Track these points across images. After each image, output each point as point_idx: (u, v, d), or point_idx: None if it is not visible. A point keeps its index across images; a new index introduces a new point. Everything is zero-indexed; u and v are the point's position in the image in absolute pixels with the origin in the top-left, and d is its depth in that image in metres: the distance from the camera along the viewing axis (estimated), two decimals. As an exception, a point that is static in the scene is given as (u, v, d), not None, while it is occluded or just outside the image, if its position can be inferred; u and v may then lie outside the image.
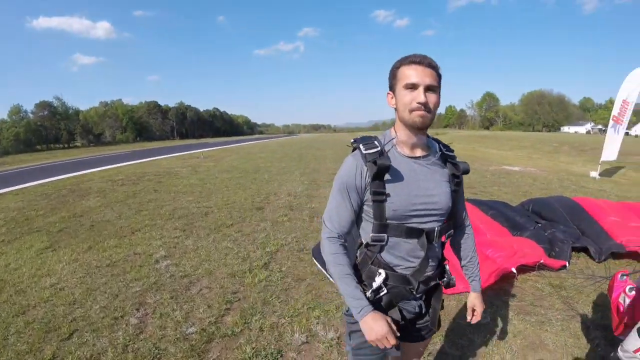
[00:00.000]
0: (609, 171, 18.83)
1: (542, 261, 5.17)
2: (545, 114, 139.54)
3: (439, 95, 1.72)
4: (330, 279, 1.85)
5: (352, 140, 1.79)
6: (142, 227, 7.30)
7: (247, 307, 4.25)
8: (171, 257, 5.75)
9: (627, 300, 2.45)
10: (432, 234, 1.78)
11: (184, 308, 4.20)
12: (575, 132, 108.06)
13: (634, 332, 2.31)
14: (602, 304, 4.36)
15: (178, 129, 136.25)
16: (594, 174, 17.14)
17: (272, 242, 6.47)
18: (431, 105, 1.67)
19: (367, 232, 1.79)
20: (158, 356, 3.38)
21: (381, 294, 1.78)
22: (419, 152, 1.80)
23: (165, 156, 25.84)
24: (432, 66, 1.68)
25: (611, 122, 16.87)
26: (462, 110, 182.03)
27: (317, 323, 3.91)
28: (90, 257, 5.77)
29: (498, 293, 4.67)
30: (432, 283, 1.88)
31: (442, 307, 2.02)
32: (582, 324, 4.03)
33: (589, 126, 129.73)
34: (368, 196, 1.73)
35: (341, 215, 1.77)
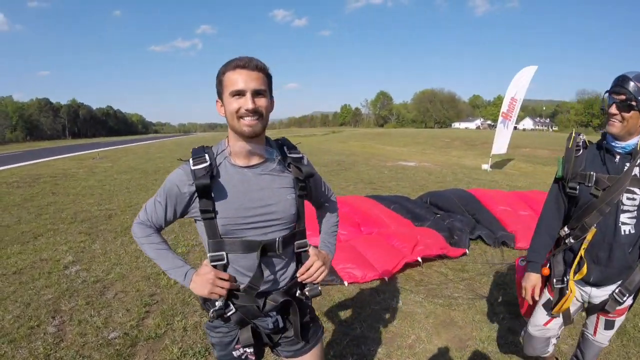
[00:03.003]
0: (500, 163, 20.39)
1: (444, 253, 5.64)
2: (436, 111, 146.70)
3: (270, 97, 1.66)
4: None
5: (191, 150, 1.70)
6: (45, 232, 6.91)
7: (167, 308, 4.24)
8: (80, 262, 5.54)
9: None
10: (272, 245, 1.71)
11: (102, 313, 4.11)
12: (466, 128, 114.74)
13: (539, 307, 2.60)
14: (502, 283, 4.93)
15: (70, 128, 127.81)
16: (486, 166, 18.52)
17: (182, 243, 6.42)
18: (262, 110, 1.60)
19: (207, 250, 1.73)
20: (82, 363, 3.30)
21: (229, 313, 1.74)
22: (255, 160, 1.71)
23: (60, 157, 24.27)
24: (260, 68, 1.59)
25: (500, 118, 18.32)
26: (357, 109, 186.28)
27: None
28: (-8, 265, 5.41)
29: (407, 279, 5.05)
30: (282, 299, 1.77)
31: (310, 318, 1.96)
32: (486, 301, 4.51)
33: (478, 122, 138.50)
34: (197, 213, 1.68)
35: (157, 213, 1.75)
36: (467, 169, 18.39)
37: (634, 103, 2.00)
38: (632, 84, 1.99)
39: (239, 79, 1.55)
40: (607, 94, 2.14)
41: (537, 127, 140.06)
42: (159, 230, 1.82)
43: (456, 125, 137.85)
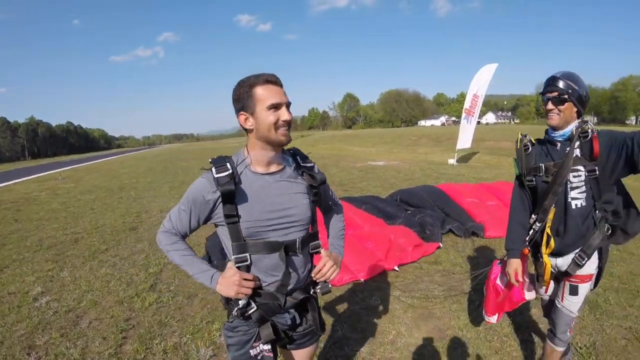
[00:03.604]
0: (465, 157, 20.86)
1: (421, 255, 5.74)
2: (402, 110, 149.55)
3: None
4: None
5: (210, 160, 1.80)
6: (10, 263, 6.66)
7: (144, 332, 4.14)
8: (49, 292, 5.35)
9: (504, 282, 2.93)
10: (293, 245, 1.86)
11: (78, 344, 3.98)
12: (432, 125, 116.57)
13: (532, 285, 2.82)
14: (475, 272, 5.03)
15: (29, 148, 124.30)
16: (452, 161, 18.90)
17: (153, 262, 6.31)
18: (291, 122, 1.79)
19: (230, 254, 1.85)
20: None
21: (250, 311, 1.85)
22: (273, 168, 1.87)
23: (19, 180, 23.60)
24: (282, 84, 1.78)
25: (464, 115, 18.79)
26: (324, 112, 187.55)
27: (220, 335, 3.94)
28: (-43, 302, 5.16)
29: (383, 276, 5.15)
30: (302, 296, 1.93)
31: (319, 312, 2.11)
32: (462, 291, 4.66)
33: (443, 119, 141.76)
34: (222, 218, 1.79)
35: (182, 221, 1.86)
36: (435, 165, 18.72)
37: (566, 96, 2.35)
38: (561, 82, 2.36)
39: (274, 93, 1.72)
40: (541, 95, 2.49)
41: (499, 120, 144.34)
42: (183, 237, 1.92)
43: (422, 123, 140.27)
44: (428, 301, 4.47)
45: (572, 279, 2.61)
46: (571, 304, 2.65)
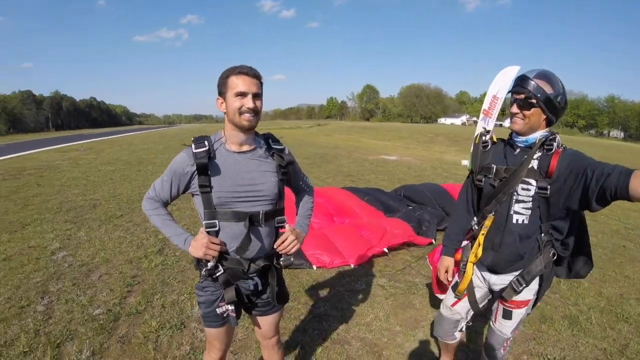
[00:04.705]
0: (479, 159, 20.68)
1: (410, 241, 6.02)
2: (422, 106, 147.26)
3: (262, 99, 2.08)
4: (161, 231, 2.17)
5: (192, 139, 2.08)
6: (32, 222, 7.16)
7: (148, 288, 4.59)
8: (66, 248, 5.83)
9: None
10: (257, 216, 2.10)
11: (87, 293, 4.43)
12: (452, 124, 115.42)
13: (449, 289, 2.80)
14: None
15: (54, 120, 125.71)
16: (466, 162, 18.89)
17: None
18: (259, 109, 2.04)
19: (202, 220, 2.10)
20: (70, 336, 3.62)
21: (218, 273, 2.12)
22: (245, 148, 2.12)
23: (43, 149, 24.23)
24: (257, 76, 2.03)
25: (481, 116, 18.59)
26: (343, 102, 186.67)
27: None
28: (-18, 253, 5.68)
29: (373, 265, 5.43)
30: (263, 264, 2.18)
31: (282, 284, 2.36)
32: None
33: (464, 118, 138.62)
34: (196, 188, 2.06)
35: (164, 190, 2.12)
36: (447, 164, 18.81)
37: (534, 100, 2.11)
38: (532, 82, 2.11)
39: (243, 83, 1.98)
40: (509, 94, 2.26)
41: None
42: (165, 204, 2.19)
43: (442, 120, 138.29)
44: (410, 292, 4.72)
45: (506, 304, 2.49)
46: (503, 327, 2.56)
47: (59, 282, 4.70)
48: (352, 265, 5.28)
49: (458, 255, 2.66)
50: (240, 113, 2.00)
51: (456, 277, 2.73)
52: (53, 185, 10.98)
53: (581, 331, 4.07)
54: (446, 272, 2.71)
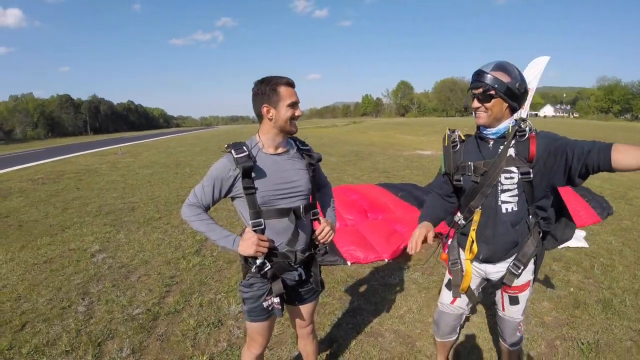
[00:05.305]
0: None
1: (440, 232, 5.92)
2: (457, 100, 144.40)
3: None
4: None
5: (226, 146, 2.19)
6: (72, 225, 7.38)
7: (186, 288, 4.66)
8: (106, 250, 5.98)
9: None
10: (298, 210, 2.27)
11: (127, 294, 4.54)
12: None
13: (443, 288, 2.78)
14: None
15: (91, 124, 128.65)
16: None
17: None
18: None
19: (247, 220, 2.23)
20: (110, 335, 3.72)
21: (266, 269, 2.24)
22: (281, 150, 2.29)
23: (82, 153, 25.02)
24: (295, 86, 2.24)
25: (513, 106, 18.33)
26: (378, 99, 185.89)
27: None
28: (25, 255, 5.86)
29: (407, 259, 5.37)
30: (307, 254, 2.35)
31: (320, 272, 2.54)
32: None
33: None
34: (240, 191, 2.18)
35: (205, 196, 2.21)
36: (482, 157, 18.44)
37: (492, 92, 2.14)
38: (488, 76, 2.15)
39: (293, 95, 2.19)
40: (469, 91, 2.29)
41: (557, 114, 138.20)
42: (206, 209, 2.28)
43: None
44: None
45: (510, 290, 2.50)
46: (513, 312, 2.59)
47: (99, 284, 4.82)
48: (387, 260, 5.25)
49: (444, 255, 2.65)
50: (292, 120, 2.20)
51: (447, 276, 2.72)
52: (92, 188, 11.29)
53: (615, 314, 3.99)
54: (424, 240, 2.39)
